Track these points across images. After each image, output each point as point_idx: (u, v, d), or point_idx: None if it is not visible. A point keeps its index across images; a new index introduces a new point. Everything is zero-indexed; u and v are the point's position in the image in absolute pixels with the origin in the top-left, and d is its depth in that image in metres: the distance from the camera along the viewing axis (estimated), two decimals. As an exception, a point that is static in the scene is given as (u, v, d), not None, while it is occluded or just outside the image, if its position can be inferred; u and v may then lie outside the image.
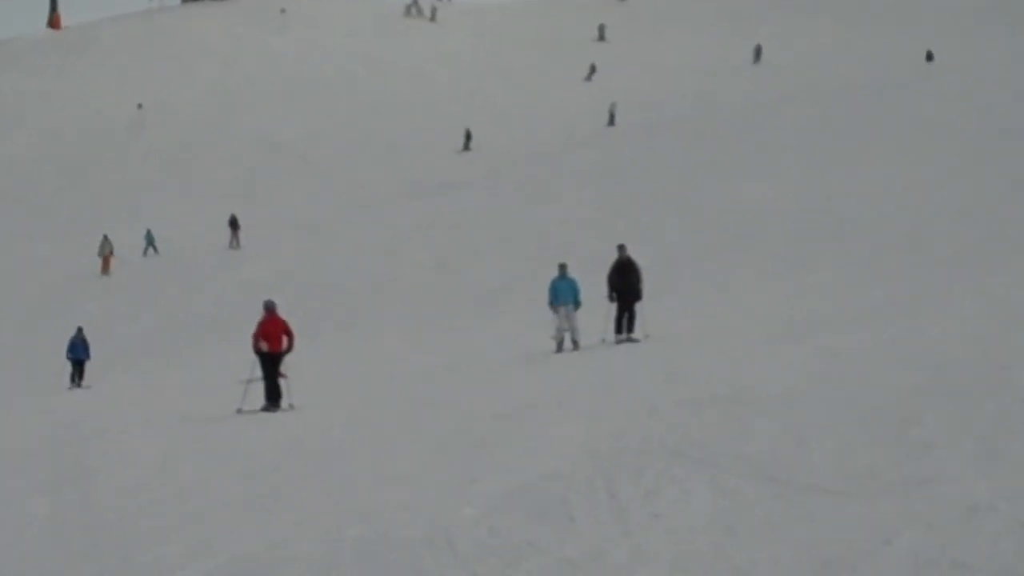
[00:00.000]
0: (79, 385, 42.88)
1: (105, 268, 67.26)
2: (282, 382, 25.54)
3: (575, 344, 29.97)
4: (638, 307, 30.23)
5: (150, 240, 71.15)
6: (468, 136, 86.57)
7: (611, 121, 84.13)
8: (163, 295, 58.75)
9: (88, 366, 43.58)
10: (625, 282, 30.05)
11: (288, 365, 25.78)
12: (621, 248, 31.19)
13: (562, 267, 31.37)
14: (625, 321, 30.00)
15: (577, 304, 30.30)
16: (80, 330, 44.42)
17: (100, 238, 68.54)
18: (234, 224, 69.75)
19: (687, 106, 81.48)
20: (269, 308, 26.43)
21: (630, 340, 29.40)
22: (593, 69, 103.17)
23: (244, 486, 16.73)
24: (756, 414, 16.16)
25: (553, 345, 30.01)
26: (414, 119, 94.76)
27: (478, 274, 51.24)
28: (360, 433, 20.28)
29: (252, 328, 26.56)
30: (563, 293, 30.39)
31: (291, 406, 25.28)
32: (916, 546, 9.32)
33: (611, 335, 29.91)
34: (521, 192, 67.32)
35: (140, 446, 22.31)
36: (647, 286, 30.41)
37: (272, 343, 25.84)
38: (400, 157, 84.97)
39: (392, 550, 11.73)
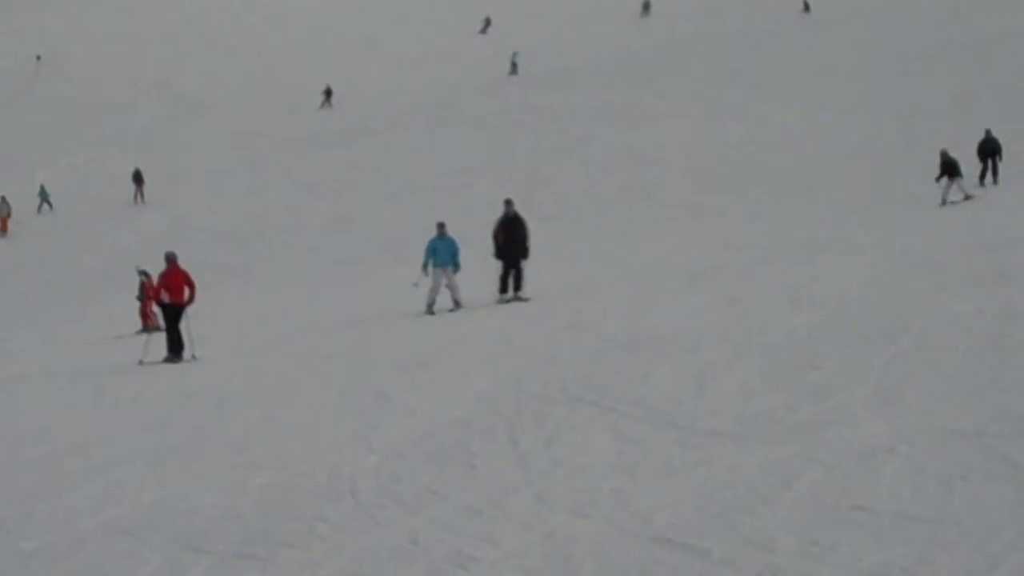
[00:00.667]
0: None
1: (2, 229, 64.87)
2: (184, 332, 25.31)
3: (456, 304, 28.28)
4: (525, 265, 28.45)
5: (44, 196, 68.90)
6: (328, 93, 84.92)
7: (513, 70, 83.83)
8: (62, 248, 57.94)
9: None
10: (511, 239, 28.34)
11: (190, 316, 25.56)
12: (508, 203, 29.48)
13: (440, 227, 29.62)
14: (512, 279, 28.27)
15: (456, 266, 28.68)
16: None
17: None
18: (138, 179, 67.46)
19: (584, 55, 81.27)
20: (171, 259, 26.16)
21: (517, 299, 27.74)
22: (488, 22, 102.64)
23: (146, 437, 16.60)
24: (657, 360, 16.23)
25: (424, 307, 28.01)
26: (313, 69, 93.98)
27: (378, 225, 51.05)
28: (262, 383, 20.17)
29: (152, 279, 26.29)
30: (442, 254, 28.77)
31: (193, 357, 25.08)
32: (816, 489, 9.39)
33: (509, 292, 28.17)
34: (420, 142, 67.06)
35: (41, 396, 22.07)
36: (546, 236, 30.21)
37: (174, 294, 25.60)
38: (299, 108, 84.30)
39: (294, 498, 11.68)
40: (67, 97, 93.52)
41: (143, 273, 37.06)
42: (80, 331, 36.36)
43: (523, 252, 28.46)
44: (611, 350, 17.72)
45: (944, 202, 38.12)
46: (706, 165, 52.29)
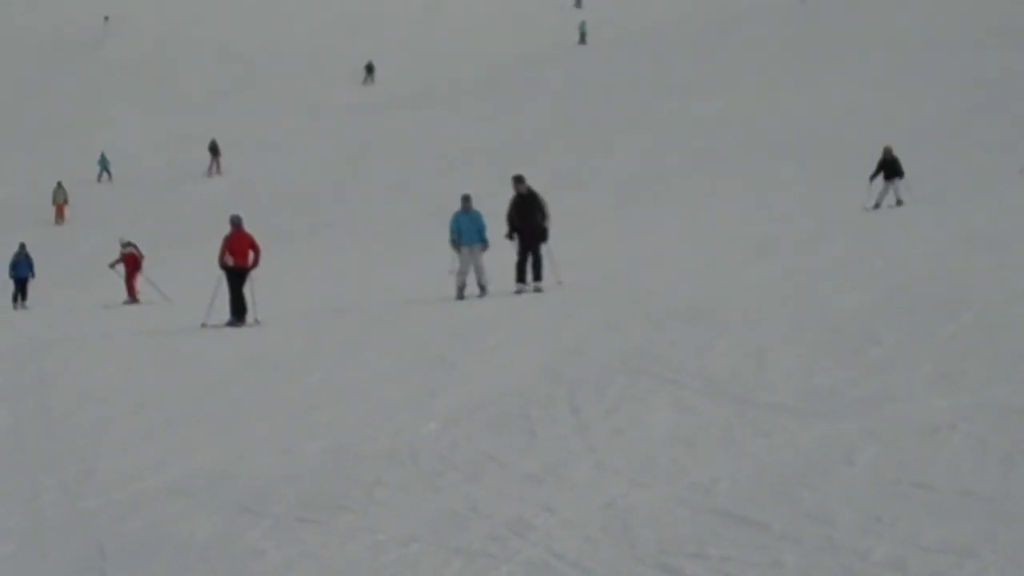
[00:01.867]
0: (23, 306, 39.76)
1: (59, 217, 60.74)
2: (247, 296, 25.44)
3: (482, 289, 25.65)
4: (545, 250, 25.33)
5: (104, 165, 67.99)
6: (370, 68, 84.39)
7: (582, 40, 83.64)
8: (123, 212, 58.21)
9: (32, 285, 40.66)
10: (527, 220, 25.03)
11: (254, 280, 25.68)
12: (518, 180, 25.66)
13: (465, 200, 26.72)
14: (529, 267, 25.05)
15: (484, 243, 25.78)
16: (23, 246, 41.50)
17: (54, 184, 62.12)
18: (214, 149, 67.00)
19: (650, 26, 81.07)
20: (236, 223, 26.27)
21: (536, 290, 24.60)
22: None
23: (205, 399, 16.71)
24: (717, 332, 16.19)
25: (455, 291, 25.69)
26: (376, 34, 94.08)
27: (439, 189, 51.06)
28: (322, 348, 20.25)
29: (217, 243, 26.39)
30: (467, 230, 25.88)
31: (256, 321, 25.20)
32: (876, 465, 9.35)
33: (527, 281, 25.04)
34: (484, 110, 67.05)
35: (100, 358, 22.22)
36: (607, 206, 29.93)
37: (238, 258, 25.71)
38: (360, 74, 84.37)
39: (353, 464, 11.73)
40: (131, 60, 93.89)
41: (128, 245, 37.42)
42: (141, 294, 36.61)
43: (541, 235, 25.06)
44: (671, 321, 17.69)
45: (877, 205, 36.11)
46: (768, 137, 52.07)
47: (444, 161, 57.26)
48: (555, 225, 25.33)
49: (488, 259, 25.87)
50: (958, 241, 23.06)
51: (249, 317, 25.33)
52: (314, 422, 14.12)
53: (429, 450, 11.77)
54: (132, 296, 36.38)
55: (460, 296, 25.26)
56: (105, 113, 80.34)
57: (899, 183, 36.79)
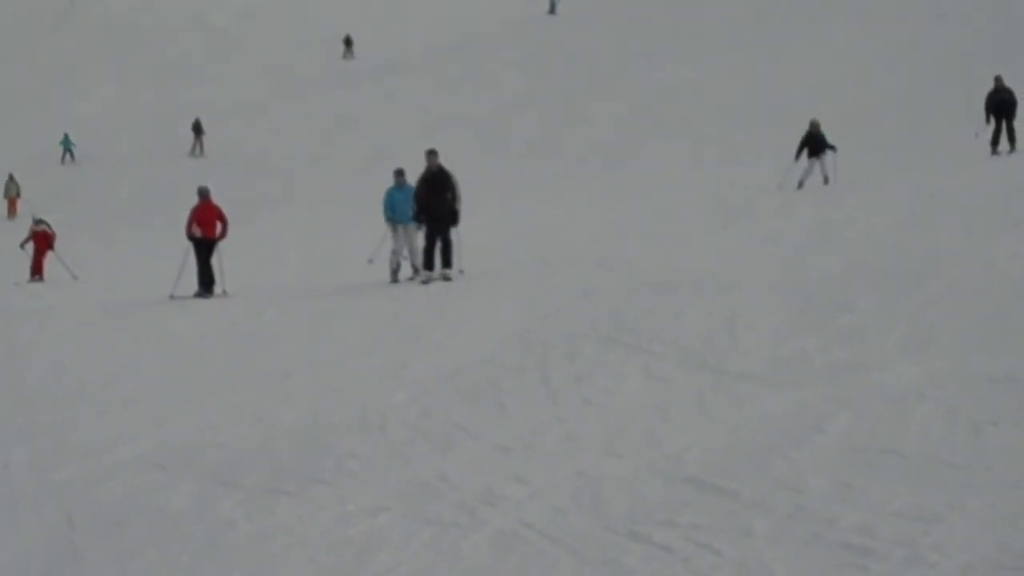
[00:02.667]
0: None
1: (11, 212, 57.33)
2: (215, 267, 25.38)
3: (416, 270, 23.66)
4: (455, 234, 22.84)
5: (67, 146, 66.21)
6: (348, 42, 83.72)
7: (552, 9, 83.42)
8: (88, 184, 57.96)
9: None
10: (437, 200, 22.49)
11: (222, 251, 25.62)
12: (431, 154, 23.13)
13: (399, 174, 24.78)
14: (439, 252, 22.62)
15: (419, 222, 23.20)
16: None
17: (5, 177, 58.92)
18: (198, 129, 64.46)
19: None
20: (203, 194, 26.18)
21: (444, 278, 22.27)
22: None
23: (176, 371, 16.67)
24: (689, 300, 16.20)
25: (388, 273, 23.85)
26: (349, 2, 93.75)
27: (411, 161, 50.89)
28: (292, 319, 20.21)
29: (184, 214, 26.30)
30: (402, 207, 23.77)
31: (224, 292, 25.15)
32: (846, 433, 9.36)
33: (435, 268, 22.73)
34: (455, 80, 66.96)
35: (71, 329, 22.14)
36: (579, 174, 29.75)
37: (206, 229, 25.64)
38: (335, 43, 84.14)
39: (324, 434, 11.72)
40: (101, 30, 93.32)
41: (40, 223, 37.01)
42: (107, 267, 36.48)
43: (451, 217, 22.50)
44: (643, 289, 17.70)
45: (801, 184, 33.90)
46: (740, 105, 52.10)
47: (418, 130, 57.13)
48: (527, 189, 25.26)
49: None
50: (929, 209, 23.09)
51: (217, 288, 25.28)
52: (286, 393, 14.09)
53: (399, 420, 11.77)
54: (38, 274, 35.71)
55: (395, 279, 23.54)
56: (75, 87, 79.89)
57: (826, 159, 34.59)
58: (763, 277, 17.32)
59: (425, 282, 22.31)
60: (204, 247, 25.53)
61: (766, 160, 39.66)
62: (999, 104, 34.38)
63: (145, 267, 33.52)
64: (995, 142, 34.15)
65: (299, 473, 10.30)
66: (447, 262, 22.44)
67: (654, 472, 9.06)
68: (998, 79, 34.97)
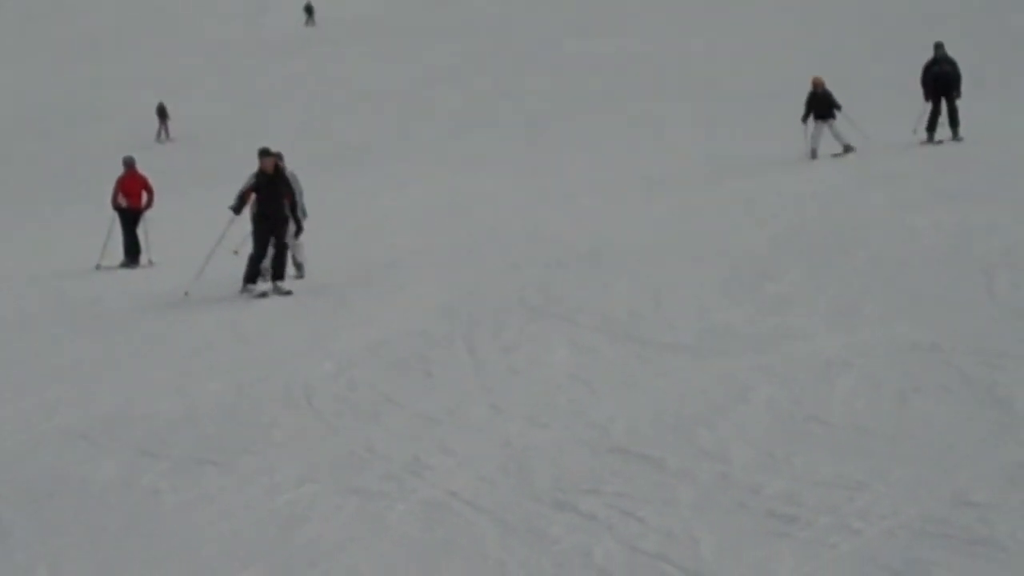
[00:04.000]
0: None
1: None
2: (141, 237, 25.25)
3: (298, 268, 20.78)
4: (293, 242, 20.40)
5: None
6: (309, 10, 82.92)
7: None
8: (17, 152, 57.45)
9: None
10: (274, 206, 19.26)
11: (148, 220, 25.51)
12: (264, 154, 19.21)
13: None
14: (270, 262, 19.38)
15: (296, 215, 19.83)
16: None
17: None
18: (162, 113, 60.37)
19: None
20: (129, 163, 26.10)
21: (277, 291, 18.86)
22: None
23: (101, 341, 16.53)
24: (616, 271, 16.25)
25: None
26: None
27: (339, 133, 50.79)
28: (216, 290, 20.07)
29: (111, 184, 26.15)
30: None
31: (150, 262, 25.02)
32: (772, 401, 9.43)
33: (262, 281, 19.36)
34: (383, 51, 66.76)
35: (-4, 302, 21.94)
36: (508, 146, 29.67)
37: (131, 199, 25.54)
38: (261, 17, 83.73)
39: (249, 405, 11.66)
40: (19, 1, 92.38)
41: None
42: (36, 236, 36.17)
43: (284, 224, 19.41)
44: (570, 261, 17.73)
45: (814, 154, 29.56)
46: (668, 76, 52.22)
47: (342, 104, 56.96)
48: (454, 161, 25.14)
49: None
50: (855, 179, 23.26)
51: (143, 258, 25.15)
52: (210, 364, 14.01)
53: (326, 391, 11.73)
54: None
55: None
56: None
57: (835, 124, 29.87)
58: (689, 249, 17.40)
59: (252, 296, 18.73)
60: (130, 216, 25.40)
61: (691, 132, 39.80)
62: (938, 77, 28.95)
63: (70, 238, 33.23)
64: (931, 127, 28.93)
65: (225, 444, 10.25)
66: (278, 273, 19.05)
67: (580, 442, 9.08)
68: (938, 47, 29.43)
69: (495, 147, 43.14)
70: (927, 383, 9.39)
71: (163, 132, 60.23)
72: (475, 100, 53.72)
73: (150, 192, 25.71)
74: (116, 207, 25.51)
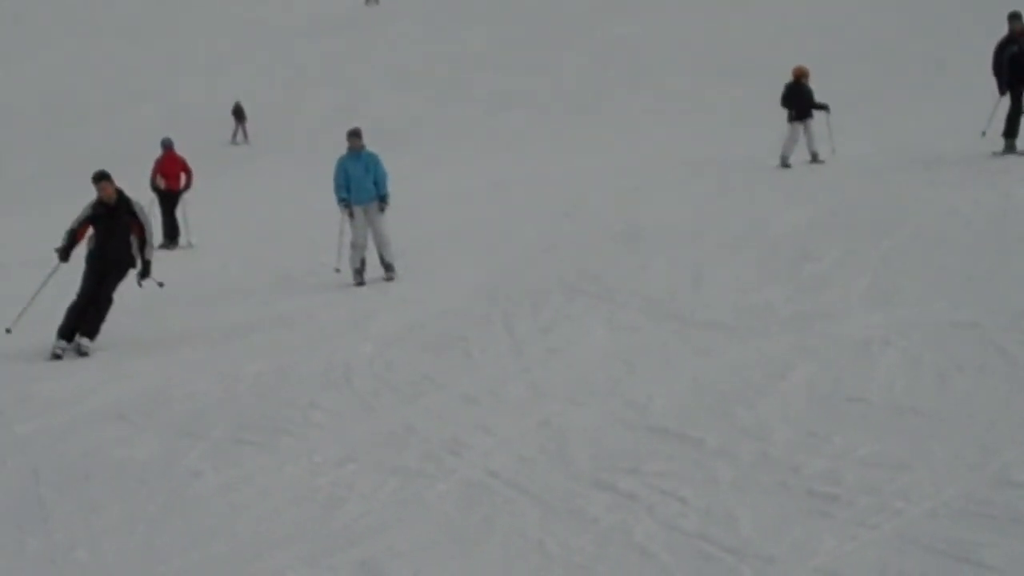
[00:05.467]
0: None
1: None
2: (180, 219, 25.34)
3: (387, 269, 18.11)
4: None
5: None
6: None
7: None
8: (52, 138, 57.60)
9: None
10: (113, 242, 15.70)
11: (186, 202, 25.59)
12: (100, 179, 15.56)
13: (354, 135, 18.78)
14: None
15: (383, 199, 18.29)
16: None
17: None
18: (239, 114, 54.94)
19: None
20: (167, 145, 26.21)
21: (79, 352, 14.90)
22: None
23: (141, 323, 16.58)
24: (654, 251, 16.22)
25: (351, 273, 18.11)
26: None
27: (378, 113, 50.76)
28: (259, 271, 20.12)
29: (150, 165, 26.23)
30: (359, 183, 18.30)
31: (189, 244, 25.10)
32: (811, 380, 9.40)
33: None
34: (419, 32, 66.74)
35: (33, 283, 21.97)
36: (545, 125, 29.54)
37: (170, 180, 25.65)
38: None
39: (290, 385, 11.69)
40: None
41: None
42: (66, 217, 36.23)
43: (123, 269, 15.94)
44: (609, 241, 17.71)
45: (784, 161, 25.34)
46: (706, 57, 52.01)
47: (384, 83, 56.96)
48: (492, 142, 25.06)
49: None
50: (894, 159, 23.14)
51: (182, 240, 25.23)
52: (251, 345, 14.04)
53: (365, 371, 11.75)
54: None
55: (359, 280, 17.87)
56: (32, 39, 79.28)
57: (812, 124, 25.90)
58: (728, 228, 17.35)
59: (54, 355, 14.86)
60: (168, 198, 25.49)
61: (729, 112, 39.67)
62: (1015, 60, 21.19)
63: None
64: (1012, 132, 21.47)
65: (265, 425, 10.27)
66: (86, 329, 15.26)
67: (619, 421, 9.07)
68: (1014, 18, 21.43)
69: (532, 127, 43.11)
70: (967, 362, 9.34)
71: (240, 133, 54.91)
72: (511, 80, 53.61)
73: (188, 174, 25.81)
74: (155, 189, 25.62)
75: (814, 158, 25.43)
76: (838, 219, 16.88)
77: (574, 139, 38.39)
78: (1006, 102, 21.76)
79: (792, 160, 25.29)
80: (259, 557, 7.36)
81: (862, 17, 52.83)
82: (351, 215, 18.26)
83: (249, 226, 28.08)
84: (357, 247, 18.06)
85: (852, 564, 6.18)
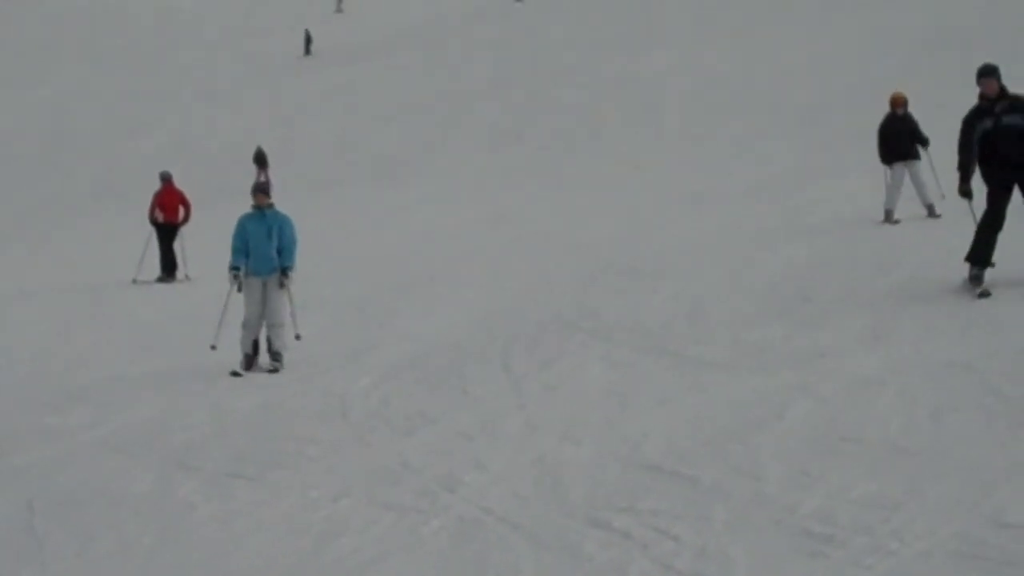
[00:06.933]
0: None
1: None
2: (178, 252, 25.37)
3: (275, 357, 14.90)
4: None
5: None
6: (308, 39, 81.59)
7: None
8: (52, 168, 57.63)
9: None
10: None
11: (184, 236, 25.62)
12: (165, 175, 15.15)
13: (259, 191, 16.22)
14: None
15: (284, 272, 15.37)
16: None
17: None
18: (261, 161, 49.82)
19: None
20: (165, 178, 26.29)
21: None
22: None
23: (138, 356, 16.60)
24: (652, 286, 16.23)
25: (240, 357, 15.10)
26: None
27: (376, 146, 50.79)
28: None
29: (149, 198, 26.29)
30: (259, 249, 15.41)
31: (187, 277, 25.12)
32: (807, 419, 9.39)
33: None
34: (419, 66, 66.83)
35: (34, 313, 22.03)
36: (542, 161, 29.32)
37: (168, 213, 25.70)
38: (297, 27, 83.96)
39: (285, 419, 11.71)
40: (68, 13, 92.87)
41: None
42: (74, 248, 36.33)
43: None
44: (607, 276, 17.72)
45: (889, 217, 20.12)
46: (703, 94, 52.07)
47: (381, 117, 57.01)
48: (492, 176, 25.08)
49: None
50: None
51: (180, 273, 25.26)
52: (247, 378, 14.07)
53: (361, 406, 11.76)
54: None
55: (246, 366, 14.84)
56: (33, 69, 79.45)
57: (920, 168, 20.75)
58: (726, 265, 17.35)
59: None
60: (167, 231, 25.53)
61: (729, 148, 39.71)
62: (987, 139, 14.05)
63: (107, 251, 33.37)
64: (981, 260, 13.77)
65: (259, 458, 10.28)
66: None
67: (614, 458, 9.08)
68: (988, 73, 14.07)
69: (531, 161, 43.14)
70: (963, 402, 9.34)
71: (263, 176, 47.66)
72: (512, 115, 53.64)
73: (187, 207, 25.88)
74: (153, 222, 25.66)
75: (930, 212, 20.22)
76: (836, 257, 16.87)
77: (574, 174, 38.42)
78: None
79: (899, 214, 20.22)
80: (252, 591, 7.36)
81: (859, 56, 52.92)
82: (239, 288, 15.44)
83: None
84: (249, 327, 15.18)
85: (846, 605, 6.18)
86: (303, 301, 19.47)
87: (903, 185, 20.48)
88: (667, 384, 11.13)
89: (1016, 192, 13.85)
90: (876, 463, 8.25)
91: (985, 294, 13.02)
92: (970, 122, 14.14)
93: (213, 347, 15.20)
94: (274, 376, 14.04)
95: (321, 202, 41.44)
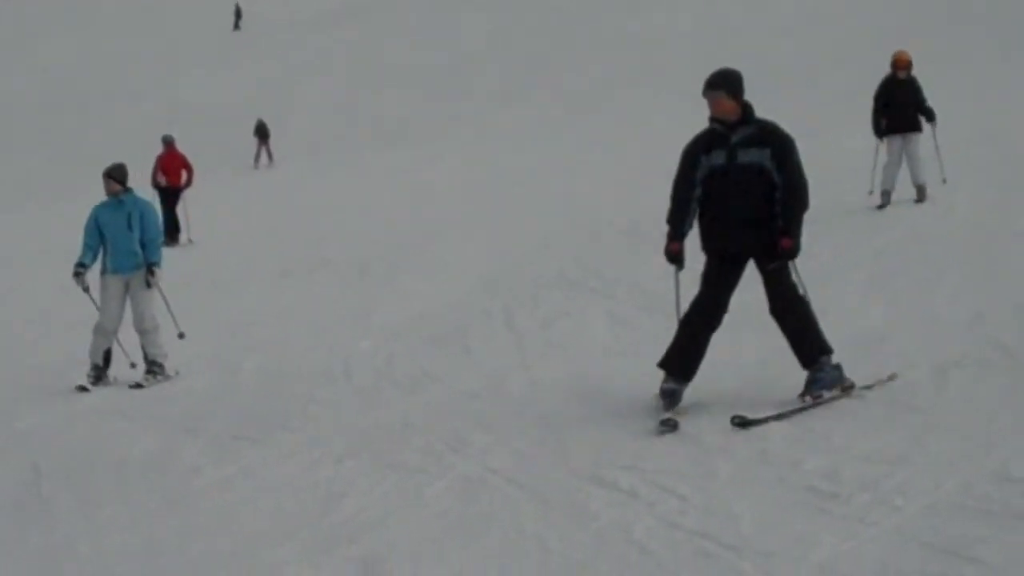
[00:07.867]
0: None
1: None
2: (180, 216, 25.37)
3: (151, 366, 12.88)
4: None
5: None
6: (238, 13, 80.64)
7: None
8: (56, 129, 57.52)
9: None
10: None
11: (187, 199, 25.61)
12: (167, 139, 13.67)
13: (111, 177, 13.42)
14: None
15: (151, 268, 13.10)
16: None
17: None
18: (262, 132, 47.89)
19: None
20: (168, 142, 26.29)
21: None
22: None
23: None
24: (654, 247, 16.15)
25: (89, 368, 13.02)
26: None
27: (375, 111, 50.67)
28: (258, 267, 20.13)
29: (150, 162, 26.25)
30: (118, 242, 13.18)
31: (189, 240, 25.13)
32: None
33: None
34: (419, 26, 66.64)
35: (36, 276, 22.02)
36: (547, 121, 29.25)
37: (171, 177, 25.70)
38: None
39: (289, 381, 11.71)
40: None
41: None
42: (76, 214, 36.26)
43: None
44: (609, 235, 17.71)
45: (885, 198, 17.79)
46: (708, 51, 51.91)
47: (381, 79, 56.84)
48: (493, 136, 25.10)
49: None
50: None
51: (182, 236, 25.25)
52: (250, 341, 14.07)
53: (365, 366, 11.78)
54: None
55: (93, 379, 12.78)
56: (39, 31, 79.29)
57: (916, 142, 18.14)
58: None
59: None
60: (169, 195, 25.52)
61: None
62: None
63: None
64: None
65: (264, 420, 10.28)
66: None
67: (618, 417, 9.07)
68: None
69: (533, 123, 43.04)
70: (967, 356, 9.34)
71: (264, 155, 47.61)
72: (513, 75, 53.52)
73: (189, 170, 25.88)
74: (155, 185, 25.65)
75: (920, 194, 17.81)
76: (836, 216, 16.82)
77: (575, 134, 38.34)
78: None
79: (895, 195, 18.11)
80: (258, 552, 7.36)
81: (865, 9, 52.69)
82: (86, 288, 13.33)
83: (249, 222, 28.07)
84: (102, 333, 13.02)
85: (851, 560, 6.17)
86: (306, 264, 19.54)
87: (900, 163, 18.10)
88: (668, 341, 11.13)
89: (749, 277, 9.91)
90: (880, 419, 8.25)
91: (670, 424, 8.62)
92: (692, 153, 10.08)
93: (181, 335, 13.44)
94: (278, 336, 14.00)
95: (321, 165, 41.44)
